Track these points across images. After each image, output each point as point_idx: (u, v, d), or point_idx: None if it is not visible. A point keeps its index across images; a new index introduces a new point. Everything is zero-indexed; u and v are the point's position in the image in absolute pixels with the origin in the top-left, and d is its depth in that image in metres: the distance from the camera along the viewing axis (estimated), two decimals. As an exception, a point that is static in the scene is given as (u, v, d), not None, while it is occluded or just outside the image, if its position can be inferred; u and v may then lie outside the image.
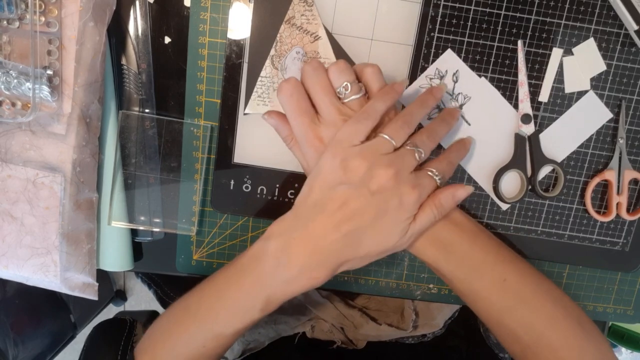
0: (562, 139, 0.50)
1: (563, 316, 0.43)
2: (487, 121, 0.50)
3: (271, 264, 0.40)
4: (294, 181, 0.51)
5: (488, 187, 0.52)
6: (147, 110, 0.49)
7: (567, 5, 0.47)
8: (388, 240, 0.41)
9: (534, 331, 0.43)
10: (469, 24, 0.48)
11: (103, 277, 1.34)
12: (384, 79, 0.44)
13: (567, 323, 0.43)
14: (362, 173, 0.39)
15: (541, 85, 0.49)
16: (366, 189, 0.39)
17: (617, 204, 0.51)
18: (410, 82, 0.49)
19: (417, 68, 0.48)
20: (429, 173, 0.42)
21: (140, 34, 0.48)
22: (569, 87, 0.49)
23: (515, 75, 0.49)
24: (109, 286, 1.44)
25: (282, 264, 0.40)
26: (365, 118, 0.40)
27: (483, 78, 0.49)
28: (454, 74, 0.49)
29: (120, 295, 1.48)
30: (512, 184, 0.52)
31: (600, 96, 0.50)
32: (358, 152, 0.39)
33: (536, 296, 0.44)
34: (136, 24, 0.47)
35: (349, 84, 0.42)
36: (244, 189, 0.52)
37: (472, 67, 0.49)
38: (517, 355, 0.45)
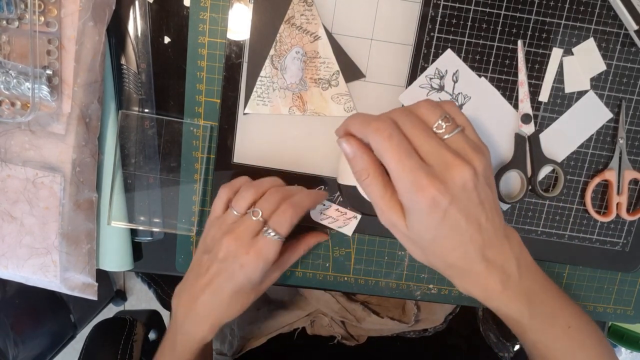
0: (562, 139, 0.50)
1: (609, 356, 0.45)
2: (487, 121, 0.50)
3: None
4: (293, 181, 0.51)
5: (488, 187, 0.51)
6: (146, 110, 0.49)
7: (567, 5, 0.47)
8: (246, 300, 0.47)
9: None
10: (469, 24, 0.47)
11: (103, 277, 1.34)
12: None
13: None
14: (215, 241, 0.45)
15: (541, 85, 0.49)
16: (215, 256, 0.45)
17: (617, 204, 0.51)
18: (410, 82, 0.49)
19: (417, 68, 0.48)
20: (264, 234, 0.44)
21: (139, 34, 0.48)
22: (569, 87, 0.49)
23: (515, 75, 0.49)
24: (109, 286, 1.44)
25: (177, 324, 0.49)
26: (243, 197, 0.45)
27: (483, 78, 0.49)
28: (454, 74, 0.49)
29: (120, 295, 1.48)
30: (512, 184, 0.52)
31: (600, 96, 0.49)
32: (215, 223, 0.46)
33: (591, 340, 0.45)
34: (136, 23, 0.47)
35: (447, 117, 0.37)
36: (244, 189, 0.52)
37: (472, 67, 0.49)
38: None
